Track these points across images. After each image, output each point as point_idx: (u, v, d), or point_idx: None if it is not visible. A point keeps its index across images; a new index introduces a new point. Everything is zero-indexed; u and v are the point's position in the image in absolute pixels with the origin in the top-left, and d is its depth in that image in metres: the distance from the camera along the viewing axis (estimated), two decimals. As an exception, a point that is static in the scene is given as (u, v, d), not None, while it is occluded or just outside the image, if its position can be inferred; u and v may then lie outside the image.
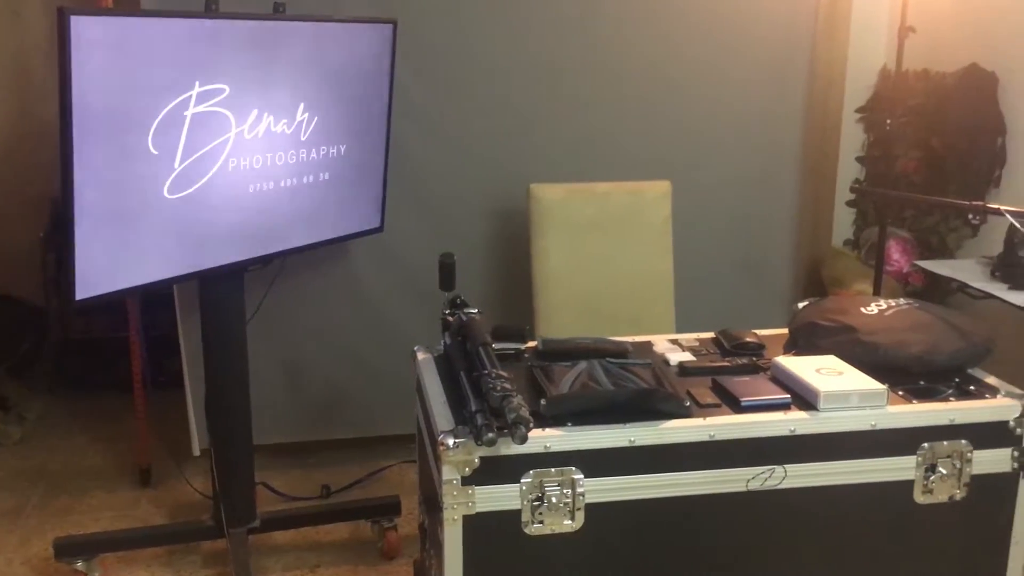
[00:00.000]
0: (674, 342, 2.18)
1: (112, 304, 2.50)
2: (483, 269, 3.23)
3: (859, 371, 1.87)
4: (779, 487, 1.76)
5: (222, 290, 2.43)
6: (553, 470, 1.69)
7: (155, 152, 2.07)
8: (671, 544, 1.76)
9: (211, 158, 2.20)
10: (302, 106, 2.40)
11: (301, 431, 3.28)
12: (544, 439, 1.68)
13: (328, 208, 2.58)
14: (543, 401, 1.74)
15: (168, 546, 2.72)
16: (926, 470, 1.81)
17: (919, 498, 1.82)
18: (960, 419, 1.81)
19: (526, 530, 1.70)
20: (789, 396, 1.81)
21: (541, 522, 1.70)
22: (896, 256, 4.08)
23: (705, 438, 1.72)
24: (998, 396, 1.86)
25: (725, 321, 3.30)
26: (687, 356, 2.06)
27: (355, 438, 3.29)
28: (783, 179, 3.49)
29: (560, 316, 2.84)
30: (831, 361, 1.93)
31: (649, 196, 2.90)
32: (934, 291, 3.79)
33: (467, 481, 1.66)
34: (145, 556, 2.70)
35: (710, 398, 1.83)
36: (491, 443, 1.58)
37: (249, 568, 2.47)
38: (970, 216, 2.16)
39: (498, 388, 1.61)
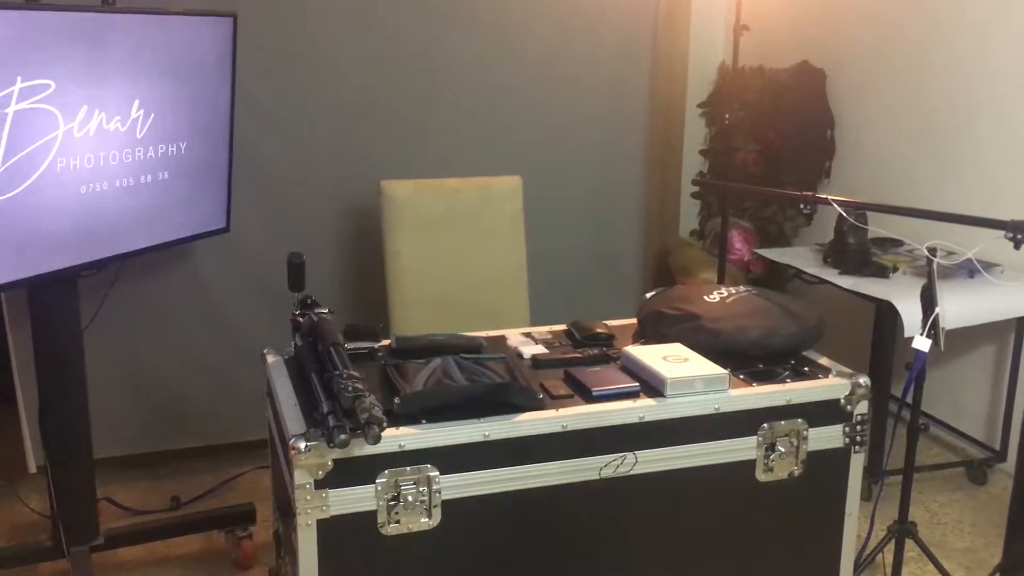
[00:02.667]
0: (527, 335, 2.20)
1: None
2: (335, 268, 3.18)
3: (703, 357, 1.94)
4: (631, 473, 1.81)
5: (53, 298, 2.29)
6: (408, 468, 1.68)
7: (-27, 152, 1.93)
8: (529, 535, 1.78)
9: (37, 157, 2.07)
10: (137, 103, 2.30)
11: (148, 442, 3.14)
12: (398, 438, 1.66)
13: (169, 209, 2.48)
14: (397, 399, 1.72)
15: (4, 570, 2.55)
16: (766, 449, 1.90)
17: (760, 476, 1.90)
18: (796, 399, 1.90)
19: (383, 530, 1.68)
20: (638, 384, 1.86)
21: (398, 522, 1.68)
22: (738, 245, 4.26)
23: (558, 429, 1.75)
24: (830, 376, 1.97)
25: (579, 311, 3.36)
26: (540, 349, 2.09)
27: (206, 446, 3.18)
28: (630, 173, 3.57)
29: (415, 313, 2.82)
30: (677, 349, 2.00)
31: (500, 191, 2.92)
32: (773, 277, 3.98)
33: (320, 484, 1.63)
34: (-23, 583, 2.53)
35: (563, 389, 1.86)
36: (343, 444, 1.55)
37: (93, 587, 2.36)
38: (802, 206, 2.27)
39: (350, 388, 1.58)
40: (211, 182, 2.62)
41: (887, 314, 2.90)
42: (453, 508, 1.71)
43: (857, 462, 1.98)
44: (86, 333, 2.43)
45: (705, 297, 2.18)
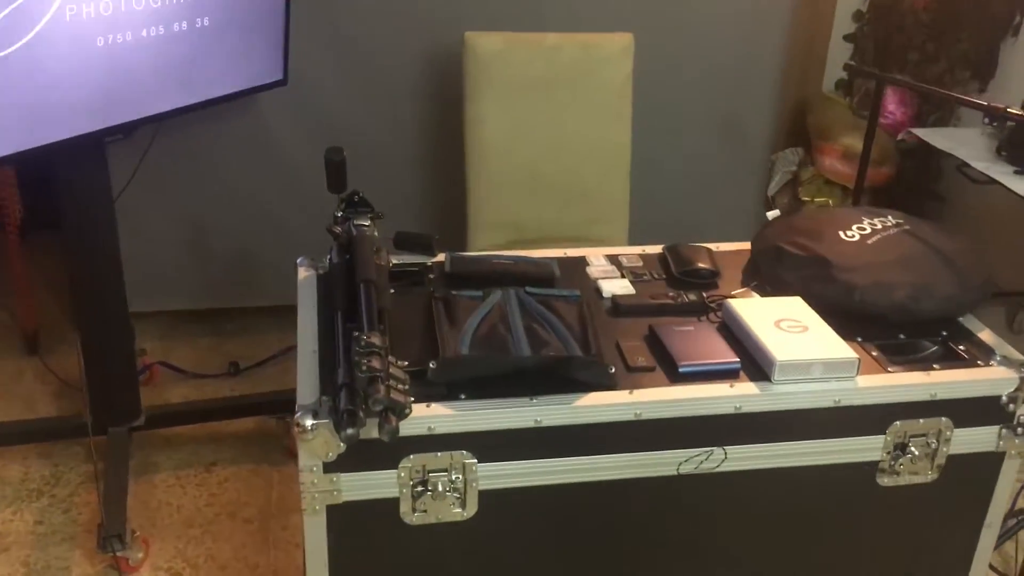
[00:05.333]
0: (613, 260, 1.81)
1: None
2: (410, 134, 2.78)
3: (828, 325, 1.53)
4: (716, 470, 1.46)
5: (78, 167, 2.02)
6: (439, 454, 1.37)
7: (-45, 3, 1.60)
8: (584, 533, 1.47)
9: (39, 5, 1.72)
10: (166, -66, 1.90)
11: (212, 297, 2.95)
12: (427, 419, 1.34)
13: (212, 61, 2.12)
14: (432, 364, 1.39)
15: (43, 443, 2.43)
16: (895, 448, 1.51)
17: (883, 481, 1.53)
18: (943, 394, 1.48)
19: (406, 519, 1.40)
20: (738, 361, 1.47)
21: (424, 511, 1.40)
22: (892, 107, 3.64)
23: (630, 417, 1.40)
24: (992, 363, 1.53)
25: (689, 193, 2.92)
26: (624, 285, 1.70)
27: (273, 306, 2.96)
28: (773, 23, 2.98)
29: (497, 193, 2.44)
30: (795, 308, 1.58)
31: (607, 51, 2.43)
32: (929, 158, 3.40)
33: (330, 468, 1.35)
34: (22, 447, 2.42)
35: (642, 357, 1.49)
36: (350, 441, 1.25)
37: (126, 475, 2.20)
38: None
39: (364, 366, 1.25)
40: (264, 28, 2.23)
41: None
42: (493, 499, 1.41)
43: (1011, 468, 1.57)
44: (144, 183, 2.19)
45: (841, 233, 1.73)
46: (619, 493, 1.44)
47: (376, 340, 1.31)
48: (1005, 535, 2.07)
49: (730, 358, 1.48)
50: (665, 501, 1.47)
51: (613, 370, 1.42)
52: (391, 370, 1.29)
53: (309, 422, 1.31)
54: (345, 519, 1.38)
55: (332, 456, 1.34)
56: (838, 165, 3.72)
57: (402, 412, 1.25)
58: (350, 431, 1.23)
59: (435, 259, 1.77)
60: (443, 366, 1.39)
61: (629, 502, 1.46)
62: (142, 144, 2.30)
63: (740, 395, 1.42)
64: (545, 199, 2.47)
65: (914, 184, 3.59)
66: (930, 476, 1.54)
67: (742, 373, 1.46)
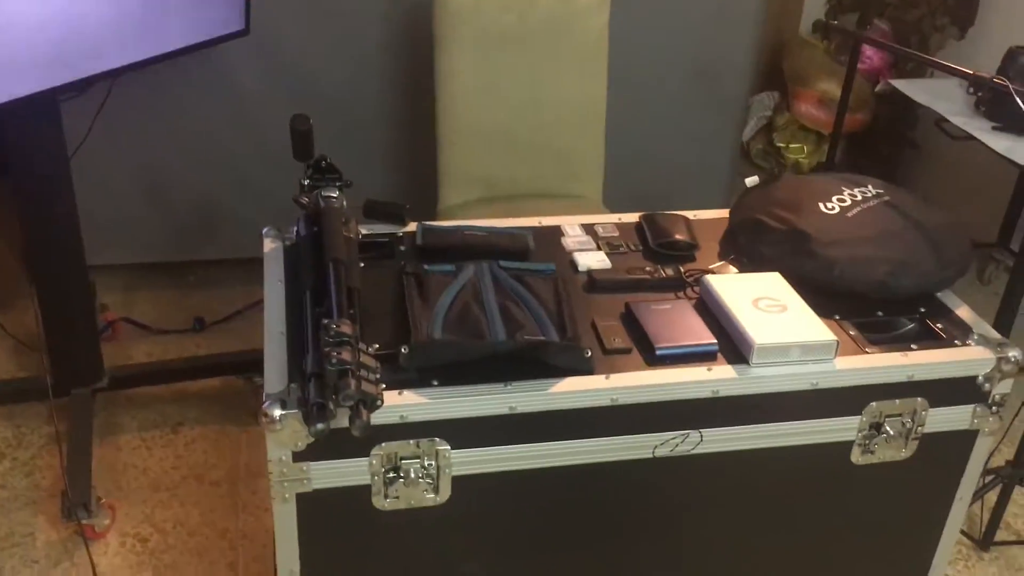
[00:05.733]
0: (588, 229, 1.77)
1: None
2: (381, 84, 2.69)
3: (806, 304, 1.51)
4: (692, 452, 1.45)
5: (31, 125, 1.92)
6: (411, 442, 1.34)
7: None
8: (558, 516, 1.46)
9: (-19, -40, 1.62)
10: None
11: (175, 249, 2.87)
12: (399, 408, 1.31)
13: (167, 11, 2.02)
14: (404, 349, 1.35)
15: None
16: (870, 428, 1.50)
17: (857, 459, 1.52)
18: (920, 375, 1.47)
19: (377, 506, 1.38)
20: (716, 342, 1.45)
21: (396, 497, 1.38)
22: (869, 52, 3.60)
23: (606, 403, 1.37)
24: (969, 341, 1.52)
25: (664, 145, 2.86)
26: (600, 258, 1.66)
27: (237, 259, 2.90)
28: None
29: (470, 148, 2.37)
30: (774, 285, 1.55)
31: (582, 2, 2.35)
32: (906, 105, 3.36)
33: (300, 456, 1.32)
34: (-20, 408, 2.37)
35: (619, 338, 1.46)
36: (320, 435, 1.21)
37: (90, 439, 2.16)
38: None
39: (334, 359, 1.21)
40: (223, -25, 2.12)
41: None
42: (466, 484, 1.39)
43: (983, 445, 1.58)
44: (102, 136, 2.15)
45: (820, 205, 1.69)
46: (593, 477, 1.43)
47: (346, 329, 1.26)
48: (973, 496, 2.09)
49: (708, 339, 1.45)
50: (640, 484, 1.46)
51: (590, 354, 1.39)
52: (362, 358, 1.25)
53: (277, 412, 1.28)
54: (315, 507, 1.35)
55: (301, 446, 1.31)
56: (814, 111, 3.68)
57: (373, 404, 1.21)
58: (320, 426, 1.19)
59: (405, 230, 1.72)
60: (415, 352, 1.35)
61: (603, 485, 1.44)
62: (98, 98, 2.20)
63: (718, 379, 1.40)
64: (518, 154, 2.41)
65: (890, 131, 3.56)
66: (904, 454, 1.54)
67: (719, 355, 1.44)
